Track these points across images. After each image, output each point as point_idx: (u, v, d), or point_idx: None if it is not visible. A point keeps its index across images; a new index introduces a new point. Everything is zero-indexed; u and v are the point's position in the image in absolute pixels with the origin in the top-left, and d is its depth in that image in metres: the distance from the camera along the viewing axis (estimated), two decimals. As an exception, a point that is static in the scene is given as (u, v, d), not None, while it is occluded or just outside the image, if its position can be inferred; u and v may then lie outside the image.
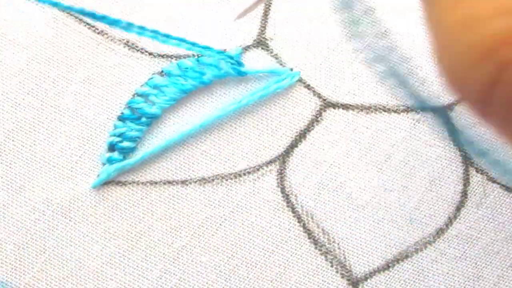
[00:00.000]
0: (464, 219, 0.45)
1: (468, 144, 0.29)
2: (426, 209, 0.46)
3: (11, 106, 0.46)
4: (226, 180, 0.46)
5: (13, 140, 0.46)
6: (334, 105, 0.47)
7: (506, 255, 0.45)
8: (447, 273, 0.45)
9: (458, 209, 0.46)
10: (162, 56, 0.47)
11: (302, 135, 0.46)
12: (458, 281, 0.45)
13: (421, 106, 0.28)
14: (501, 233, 0.45)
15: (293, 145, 0.46)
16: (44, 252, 0.45)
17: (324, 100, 0.47)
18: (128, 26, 0.44)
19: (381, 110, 0.46)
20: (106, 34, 0.47)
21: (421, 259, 0.45)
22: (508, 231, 0.45)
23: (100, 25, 0.47)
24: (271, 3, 0.47)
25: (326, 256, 0.45)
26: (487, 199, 0.46)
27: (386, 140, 0.46)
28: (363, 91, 0.47)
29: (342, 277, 0.45)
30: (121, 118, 0.46)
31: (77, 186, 0.45)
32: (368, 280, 0.45)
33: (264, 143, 0.46)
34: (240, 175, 0.46)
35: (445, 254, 0.45)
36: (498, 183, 0.46)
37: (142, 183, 0.46)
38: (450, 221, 0.46)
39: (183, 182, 0.46)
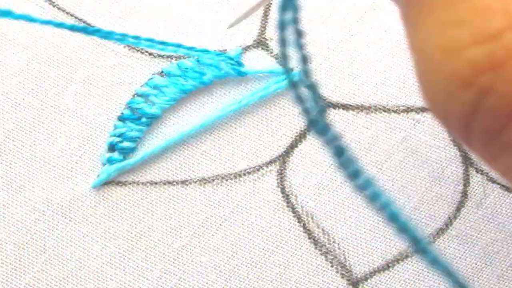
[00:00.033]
0: (464, 219, 0.45)
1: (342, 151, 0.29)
2: (426, 209, 0.46)
3: (11, 106, 0.46)
4: (226, 180, 0.46)
5: (13, 140, 0.46)
6: (334, 105, 0.47)
7: (506, 255, 0.45)
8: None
9: (458, 209, 0.46)
10: (162, 57, 0.47)
11: (302, 135, 0.46)
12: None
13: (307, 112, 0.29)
14: (501, 233, 0.45)
15: (293, 145, 0.46)
16: (44, 252, 0.45)
17: (324, 100, 0.47)
18: (123, 38, 0.44)
19: (381, 111, 0.46)
20: (106, 34, 0.47)
21: (421, 259, 0.45)
22: (508, 231, 0.45)
23: (100, 26, 0.47)
24: (271, 3, 0.47)
25: (326, 256, 0.45)
26: (487, 199, 0.46)
27: (386, 140, 0.46)
28: (363, 91, 0.47)
29: (342, 277, 0.45)
30: (121, 118, 0.46)
31: (77, 186, 0.45)
32: (368, 280, 0.45)
33: (264, 143, 0.46)
34: (240, 175, 0.46)
35: (445, 254, 0.45)
36: (498, 184, 0.46)
37: (142, 183, 0.46)
38: (450, 221, 0.46)
39: (183, 182, 0.46)
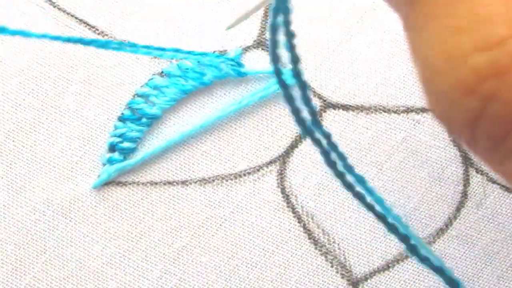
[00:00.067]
0: (464, 220, 0.45)
1: (332, 148, 0.29)
2: (426, 210, 0.46)
3: (11, 106, 0.46)
4: (226, 180, 0.46)
5: (13, 141, 0.46)
6: (334, 106, 0.47)
7: (506, 255, 0.45)
8: (447, 273, 0.45)
9: (458, 209, 0.46)
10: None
11: (302, 135, 0.46)
12: (458, 281, 0.45)
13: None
14: (501, 234, 0.45)
15: (293, 146, 0.46)
16: (44, 253, 0.45)
17: (324, 100, 0.47)
18: (120, 46, 0.44)
19: (381, 111, 0.46)
20: (107, 35, 0.47)
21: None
22: (508, 232, 0.45)
23: (100, 26, 0.47)
24: (271, 4, 0.47)
25: (326, 257, 0.45)
26: (487, 199, 0.46)
27: (386, 140, 0.46)
28: (363, 91, 0.47)
29: (342, 278, 0.45)
30: (122, 119, 0.46)
31: (78, 186, 0.45)
32: (368, 280, 0.45)
33: (264, 144, 0.46)
34: (240, 176, 0.46)
35: (445, 254, 0.45)
36: (498, 184, 0.46)
37: (143, 183, 0.46)
38: (450, 222, 0.46)
39: (184, 183, 0.46)
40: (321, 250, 0.45)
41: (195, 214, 0.45)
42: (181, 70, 0.46)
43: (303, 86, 0.28)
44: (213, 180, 0.46)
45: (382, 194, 0.46)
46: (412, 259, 0.45)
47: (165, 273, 0.45)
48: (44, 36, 0.42)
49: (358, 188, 0.31)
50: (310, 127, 0.29)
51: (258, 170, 0.46)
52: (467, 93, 0.25)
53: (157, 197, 0.45)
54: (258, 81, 0.47)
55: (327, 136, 0.29)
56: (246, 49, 0.47)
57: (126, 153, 0.46)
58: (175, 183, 0.46)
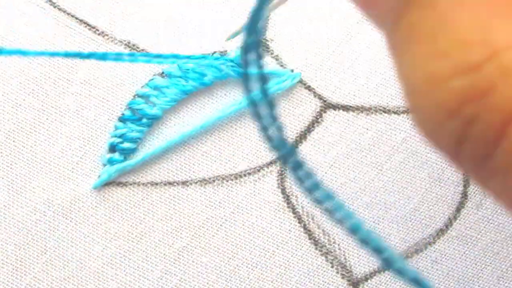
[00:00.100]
0: (464, 220, 0.46)
1: (313, 187, 0.29)
2: (426, 210, 0.46)
3: (11, 106, 0.46)
4: (227, 181, 0.46)
5: (13, 141, 0.46)
6: (335, 106, 0.47)
7: (506, 255, 0.45)
8: (447, 274, 0.45)
9: (458, 210, 0.46)
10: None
11: (302, 136, 0.46)
12: (458, 282, 0.45)
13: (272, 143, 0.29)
14: (501, 234, 0.46)
15: (293, 146, 0.46)
16: (45, 253, 0.45)
17: (325, 101, 0.47)
18: (118, 56, 0.44)
19: (381, 112, 0.46)
20: (107, 35, 0.47)
21: (421, 259, 0.45)
22: (508, 232, 0.46)
23: (100, 26, 0.47)
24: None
25: (326, 257, 0.45)
26: (487, 200, 0.46)
27: (387, 141, 0.46)
28: (363, 92, 0.47)
29: (343, 278, 0.45)
30: (122, 119, 0.46)
31: (78, 187, 0.45)
32: (369, 280, 0.45)
33: (264, 144, 0.46)
34: (240, 176, 0.46)
35: (445, 255, 0.45)
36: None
37: (143, 184, 0.46)
38: (450, 222, 0.46)
39: (184, 183, 0.46)
40: (321, 251, 0.45)
41: (195, 215, 0.45)
42: (181, 70, 0.46)
43: (271, 105, 0.29)
44: (214, 181, 0.46)
45: (382, 195, 0.46)
46: (412, 259, 0.45)
47: (165, 274, 0.45)
48: (41, 53, 0.42)
49: (327, 204, 0.31)
50: (278, 145, 0.29)
51: (259, 171, 0.46)
52: (449, 116, 0.26)
53: (157, 198, 0.45)
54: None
55: (294, 153, 0.29)
56: (247, 49, 0.47)
57: (127, 153, 0.46)
58: (175, 184, 0.46)
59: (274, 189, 0.46)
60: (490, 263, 0.45)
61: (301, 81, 0.47)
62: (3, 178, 0.45)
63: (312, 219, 0.45)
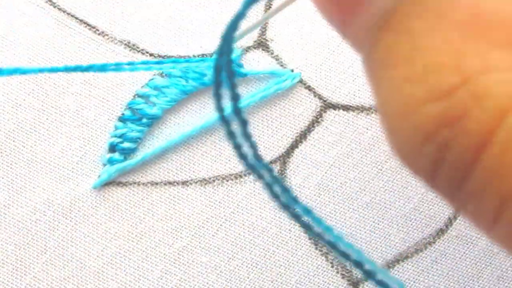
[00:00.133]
0: (464, 220, 0.46)
1: (291, 202, 0.30)
2: (426, 210, 0.46)
3: (12, 106, 0.46)
4: (227, 181, 0.46)
5: (14, 141, 0.46)
6: (335, 106, 0.47)
7: (506, 255, 0.45)
8: (447, 274, 0.45)
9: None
10: (163, 57, 0.47)
11: (302, 136, 0.46)
12: (458, 282, 0.45)
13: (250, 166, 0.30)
14: (501, 234, 0.46)
15: (293, 146, 0.46)
16: (45, 253, 0.45)
17: (325, 101, 0.47)
18: (118, 67, 0.44)
19: (381, 111, 0.46)
20: (107, 35, 0.47)
21: (421, 259, 0.45)
22: (507, 232, 0.46)
23: (100, 26, 0.47)
24: (271, 5, 0.48)
25: (326, 257, 0.45)
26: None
27: (386, 141, 0.46)
28: (363, 92, 0.47)
29: (343, 278, 0.45)
30: (122, 119, 0.46)
31: (78, 186, 0.45)
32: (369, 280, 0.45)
33: (264, 144, 0.46)
34: (240, 176, 0.46)
35: (445, 255, 0.45)
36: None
37: (143, 183, 0.46)
38: (450, 222, 0.46)
39: (184, 183, 0.46)
40: (321, 251, 0.45)
41: (195, 214, 0.45)
42: (181, 70, 0.46)
43: (243, 123, 0.29)
44: (214, 181, 0.46)
45: (382, 194, 0.46)
46: (412, 259, 0.45)
47: (165, 273, 0.45)
48: (41, 70, 0.42)
49: (305, 218, 0.32)
50: (252, 162, 0.29)
51: (259, 171, 0.46)
52: (426, 139, 0.26)
53: (157, 197, 0.45)
54: (258, 81, 0.47)
55: (269, 170, 0.30)
56: (246, 49, 0.47)
57: (127, 153, 0.46)
58: (175, 184, 0.46)
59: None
60: (490, 263, 0.45)
61: (301, 81, 0.47)
62: (3, 178, 0.45)
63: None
